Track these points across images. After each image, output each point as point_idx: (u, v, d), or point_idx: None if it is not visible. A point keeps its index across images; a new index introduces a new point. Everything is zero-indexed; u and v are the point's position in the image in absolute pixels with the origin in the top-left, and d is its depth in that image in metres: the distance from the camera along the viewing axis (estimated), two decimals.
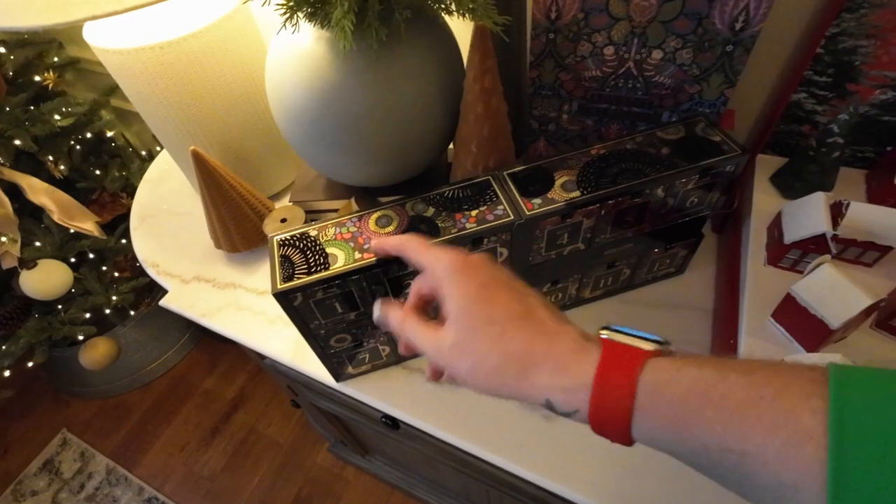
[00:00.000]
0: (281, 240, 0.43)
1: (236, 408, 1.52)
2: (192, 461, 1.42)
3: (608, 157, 0.45)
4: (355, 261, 0.40)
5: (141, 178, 0.87)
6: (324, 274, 0.40)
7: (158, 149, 1.24)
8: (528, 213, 0.41)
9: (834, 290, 0.38)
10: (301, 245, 0.42)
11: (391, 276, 0.42)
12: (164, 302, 0.66)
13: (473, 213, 0.42)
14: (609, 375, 0.24)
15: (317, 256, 0.41)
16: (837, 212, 0.44)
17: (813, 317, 0.38)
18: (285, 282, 0.40)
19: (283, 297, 0.40)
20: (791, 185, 0.51)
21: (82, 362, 1.23)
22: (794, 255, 0.45)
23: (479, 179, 0.45)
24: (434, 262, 0.31)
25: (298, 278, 0.40)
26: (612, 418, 0.24)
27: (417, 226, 0.42)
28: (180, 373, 1.61)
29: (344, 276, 0.40)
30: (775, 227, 0.48)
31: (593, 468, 0.46)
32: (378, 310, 0.34)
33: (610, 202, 0.43)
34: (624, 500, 0.44)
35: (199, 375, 1.60)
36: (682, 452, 0.23)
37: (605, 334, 0.27)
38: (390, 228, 0.42)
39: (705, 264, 0.58)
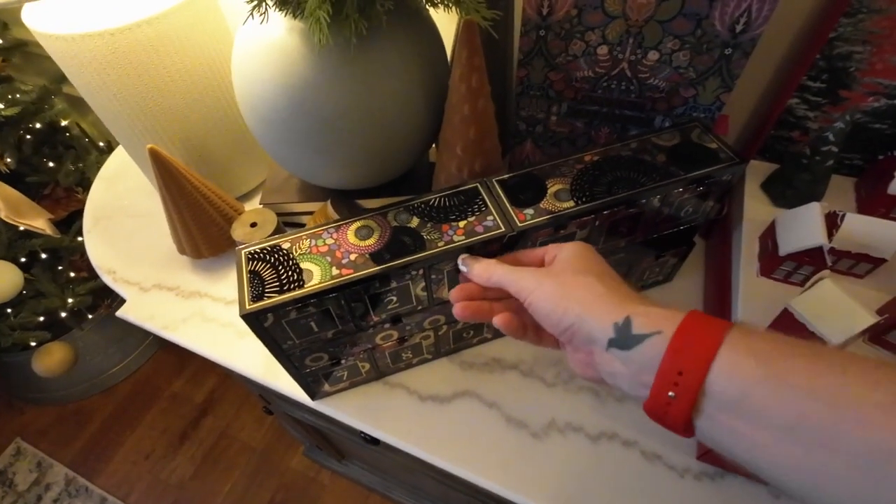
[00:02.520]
0: (249, 253, 0.39)
1: (206, 412, 1.46)
2: (159, 469, 1.36)
3: (602, 164, 0.42)
4: (333, 277, 0.37)
5: (98, 171, 0.80)
6: (298, 293, 0.36)
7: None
8: (520, 224, 0.39)
9: (834, 307, 0.37)
10: (272, 259, 0.38)
11: (372, 293, 0.39)
12: (120, 313, 0.60)
13: (462, 224, 0.39)
14: (699, 316, 0.25)
15: (290, 272, 0.37)
16: (832, 223, 0.43)
17: (811, 334, 0.37)
18: (254, 301, 0.36)
19: (252, 319, 0.36)
20: (782, 192, 0.50)
21: (36, 370, 1.15)
22: (788, 266, 0.44)
23: (467, 187, 0.42)
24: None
25: (269, 297, 0.36)
26: (700, 342, 0.23)
27: (400, 238, 0.39)
28: (145, 376, 1.54)
29: (320, 295, 0.36)
30: (769, 237, 0.46)
31: (581, 489, 0.44)
32: (463, 265, 0.37)
33: (605, 212, 0.40)
34: None
35: (165, 378, 1.53)
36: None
37: None
38: (371, 241, 0.39)
39: (693, 271, 0.57)
